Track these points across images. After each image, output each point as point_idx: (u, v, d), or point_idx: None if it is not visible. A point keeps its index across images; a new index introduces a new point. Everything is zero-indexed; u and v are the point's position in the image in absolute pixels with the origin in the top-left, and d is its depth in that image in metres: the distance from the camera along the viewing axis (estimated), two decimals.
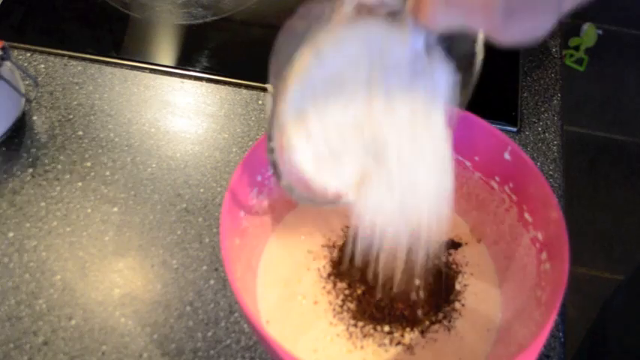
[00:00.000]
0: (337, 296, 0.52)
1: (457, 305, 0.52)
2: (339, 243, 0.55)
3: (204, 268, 0.57)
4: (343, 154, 0.42)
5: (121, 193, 0.61)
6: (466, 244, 0.56)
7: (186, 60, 0.72)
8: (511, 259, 0.53)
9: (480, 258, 0.55)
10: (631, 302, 0.80)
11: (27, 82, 0.67)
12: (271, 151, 0.40)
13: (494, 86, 0.72)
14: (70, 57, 0.71)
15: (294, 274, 0.53)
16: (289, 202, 0.57)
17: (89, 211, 0.60)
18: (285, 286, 0.53)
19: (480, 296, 0.53)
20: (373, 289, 0.51)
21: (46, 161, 0.63)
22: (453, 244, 0.56)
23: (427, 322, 0.51)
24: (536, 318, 0.45)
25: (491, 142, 0.52)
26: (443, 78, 0.41)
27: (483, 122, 0.52)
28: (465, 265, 0.54)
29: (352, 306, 0.51)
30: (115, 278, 0.56)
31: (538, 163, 0.65)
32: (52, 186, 0.61)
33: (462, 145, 0.54)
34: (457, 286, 0.53)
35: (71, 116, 0.66)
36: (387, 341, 0.50)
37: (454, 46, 0.40)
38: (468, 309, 0.52)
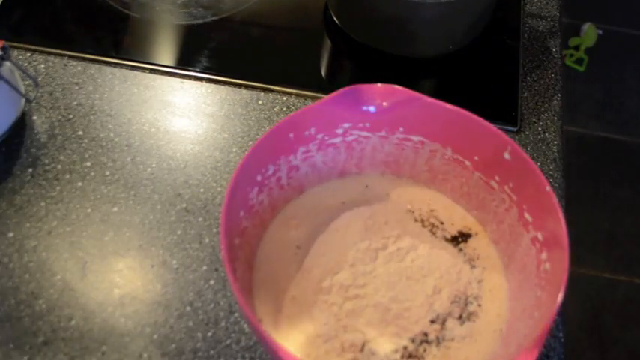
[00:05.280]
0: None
1: (474, 307, 0.51)
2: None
3: (204, 268, 0.57)
4: None
5: (121, 193, 0.61)
6: (476, 234, 0.56)
7: (186, 60, 0.72)
8: (511, 258, 0.53)
9: (489, 249, 0.55)
10: None
11: (27, 82, 0.67)
12: None
13: (494, 86, 0.73)
14: (70, 57, 0.71)
15: (285, 273, 0.53)
16: (288, 202, 0.57)
17: (89, 211, 0.60)
18: (277, 285, 0.52)
19: (494, 293, 0.52)
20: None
21: (46, 161, 0.63)
22: (463, 236, 0.55)
23: (442, 336, 0.50)
24: (536, 318, 0.45)
25: (491, 142, 0.52)
26: None
27: (483, 122, 0.52)
28: (477, 259, 0.54)
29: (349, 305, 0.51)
30: (115, 278, 0.56)
31: (538, 163, 0.65)
32: (52, 186, 0.61)
33: (462, 145, 0.54)
34: (474, 286, 0.52)
35: (71, 116, 0.66)
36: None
37: None
38: (484, 309, 0.51)
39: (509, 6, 0.79)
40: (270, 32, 0.78)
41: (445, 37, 0.72)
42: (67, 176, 0.62)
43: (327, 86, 0.71)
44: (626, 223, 1.60)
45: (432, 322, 0.50)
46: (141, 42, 0.74)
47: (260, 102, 0.68)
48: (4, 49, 0.60)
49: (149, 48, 0.73)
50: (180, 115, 0.67)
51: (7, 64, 0.61)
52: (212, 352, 0.52)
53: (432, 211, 0.57)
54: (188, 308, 0.54)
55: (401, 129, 0.56)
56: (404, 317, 0.50)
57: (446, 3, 0.66)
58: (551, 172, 0.64)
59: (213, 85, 0.70)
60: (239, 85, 0.70)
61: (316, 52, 0.75)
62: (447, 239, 0.55)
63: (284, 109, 0.68)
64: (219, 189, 0.61)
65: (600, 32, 1.90)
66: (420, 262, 0.53)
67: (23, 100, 0.64)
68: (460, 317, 0.51)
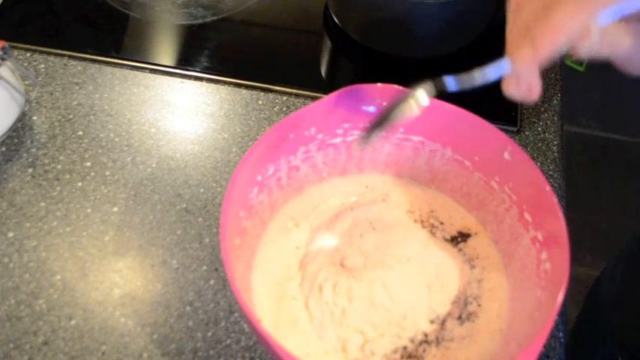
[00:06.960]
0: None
1: (473, 307, 0.51)
2: (326, 243, 0.55)
3: (204, 268, 0.57)
4: None
5: (121, 193, 0.61)
6: (476, 234, 0.56)
7: (186, 60, 0.72)
8: (511, 258, 0.53)
9: (488, 249, 0.55)
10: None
11: (27, 82, 0.67)
12: None
13: (494, 86, 0.72)
14: (70, 57, 0.71)
15: (284, 273, 0.53)
16: (288, 202, 0.57)
17: (89, 211, 0.60)
18: (277, 286, 0.52)
19: (494, 293, 0.52)
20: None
21: (46, 161, 0.63)
22: (463, 236, 0.55)
23: (441, 336, 0.50)
24: (537, 318, 0.45)
25: (491, 142, 0.52)
26: None
27: (483, 122, 0.52)
28: (477, 259, 0.54)
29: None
30: (115, 278, 0.56)
31: (538, 163, 0.65)
32: (52, 186, 0.61)
33: (462, 145, 0.54)
34: (474, 286, 0.52)
35: (71, 116, 0.66)
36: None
37: None
38: (483, 309, 0.51)
39: None
40: (270, 32, 0.78)
41: (445, 37, 0.72)
42: (67, 176, 0.62)
43: (327, 86, 0.71)
44: (626, 223, 1.60)
45: (432, 322, 0.50)
46: (141, 42, 0.74)
47: (260, 102, 0.68)
48: (4, 49, 0.60)
49: (149, 48, 0.73)
50: (180, 115, 0.67)
51: (7, 64, 0.61)
52: (212, 352, 0.52)
53: (431, 211, 0.57)
54: (188, 308, 0.54)
55: (401, 129, 0.56)
56: (403, 317, 0.50)
57: (446, 3, 0.66)
58: (551, 172, 0.64)
59: (213, 85, 0.70)
60: (239, 85, 0.70)
61: (316, 52, 0.75)
62: (446, 239, 0.55)
63: (284, 109, 0.68)
64: (219, 189, 0.61)
65: None
66: (420, 262, 0.53)
67: (23, 100, 0.64)
68: (460, 317, 0.51)
